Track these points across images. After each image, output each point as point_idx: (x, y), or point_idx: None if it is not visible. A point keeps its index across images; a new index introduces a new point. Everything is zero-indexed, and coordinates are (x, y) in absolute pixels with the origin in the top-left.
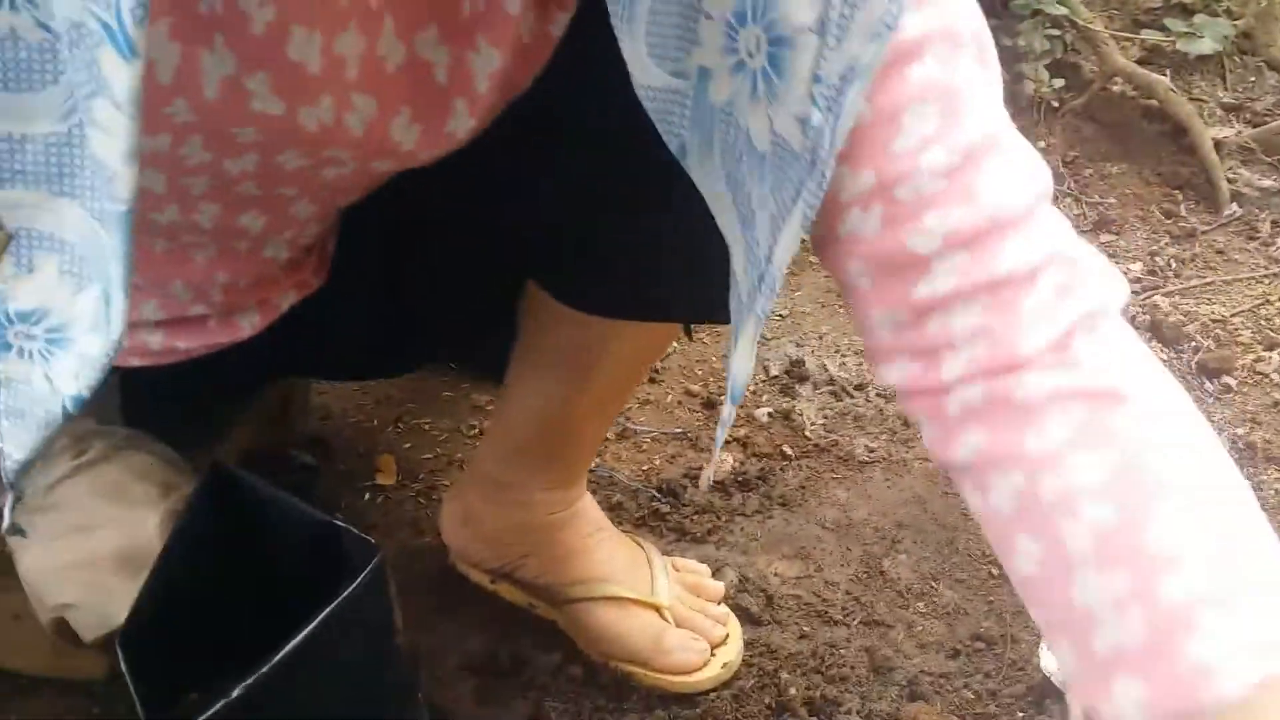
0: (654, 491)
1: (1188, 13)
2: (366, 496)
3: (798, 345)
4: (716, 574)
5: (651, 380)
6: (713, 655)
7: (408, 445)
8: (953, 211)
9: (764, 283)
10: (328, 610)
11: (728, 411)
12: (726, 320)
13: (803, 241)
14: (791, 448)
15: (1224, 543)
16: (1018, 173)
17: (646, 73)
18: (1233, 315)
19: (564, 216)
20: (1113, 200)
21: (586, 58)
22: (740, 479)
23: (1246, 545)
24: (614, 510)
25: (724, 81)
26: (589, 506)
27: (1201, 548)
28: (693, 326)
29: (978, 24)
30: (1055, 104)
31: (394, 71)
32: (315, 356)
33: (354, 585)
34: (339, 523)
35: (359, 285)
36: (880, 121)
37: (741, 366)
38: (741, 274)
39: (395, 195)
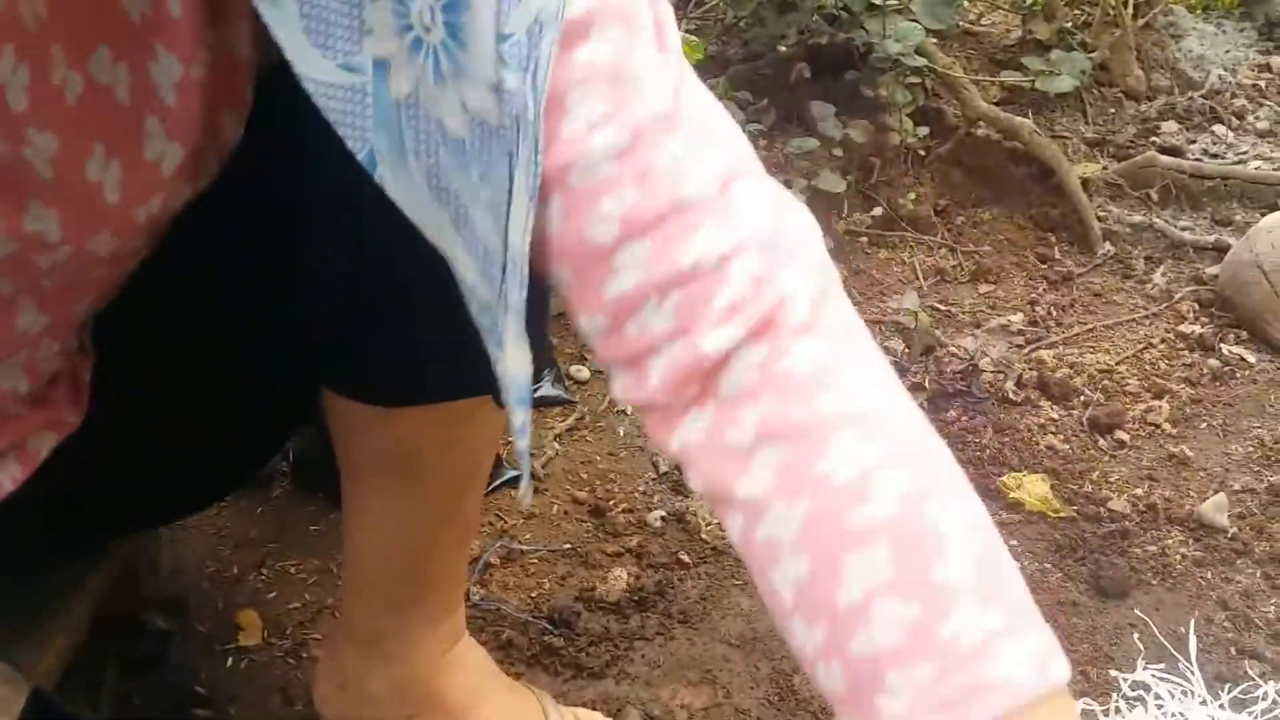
0: (545, 623)
1: (1043, 48)
2: (229, 662)
3: None
4: (619, 715)
5: (534, 490)
6: None
7: (272, 594)
8: (626, 194)
9: (509, 271)
10: None
11: (519, 418)
12: (537, 375)
13: None
14: (688, 554)
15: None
16: (703, 151)
17: (310, 63)
18: (1118, 363)
19: (319, 295)
20: (988, 248)
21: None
22: (637, 597)
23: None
24: (504, 650)
25: (403, 70)
26: (472, 651)
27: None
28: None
29: (661, 7)
30: (922, 152)
31: (74, 103)
32: (107, 506)
33: None
34: None
35: (127, 417)
36: (547, 107)
37: (516, 367)
38: (476, 277)
39: (143, 307)
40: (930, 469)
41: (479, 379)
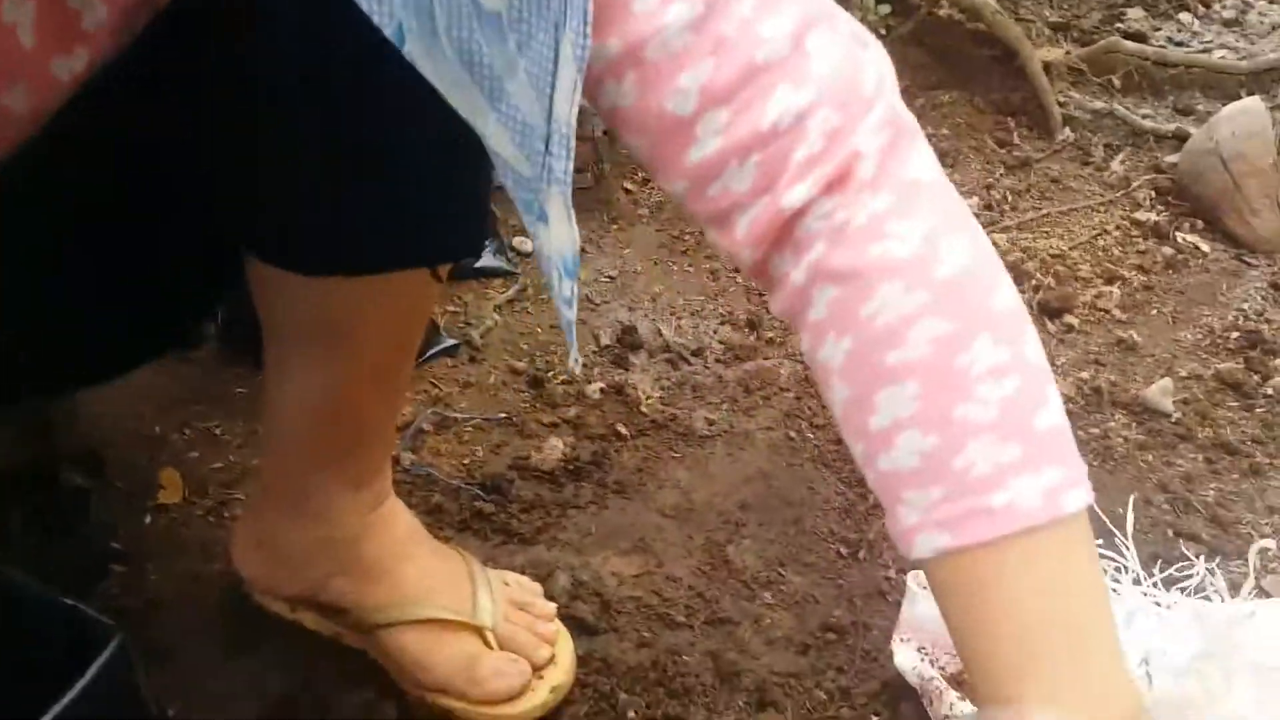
0: (477, 489)
1: None
2: (148, 519)
3: (629, 310)
4: (548, 580)
5: (471, 360)
6: (540, 679)
7: (195, 455)
8: (703, 65)
9: (553, 143)
10: (52, 712)
11: (568, 288)
12: (463, 255)
13: (628, 192)
14: (626, 426)
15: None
16: (772, 9)
17: None
18: (1071, 249)
19: (247, 159)
20: (946, 131)
21: None
22: (572, 466)
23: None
24: (433, 514)
25: None
26: (398, 513)
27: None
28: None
29: None
30: (883, 31)
31: None
32: (23, 363)
33: (84, 679)
34: (69, 602)
35: (39, 268)
36: None
37: (560, 241)
38: (514, 150)
39: (60, 154)
40: (969, 317)
41: (412, 250)
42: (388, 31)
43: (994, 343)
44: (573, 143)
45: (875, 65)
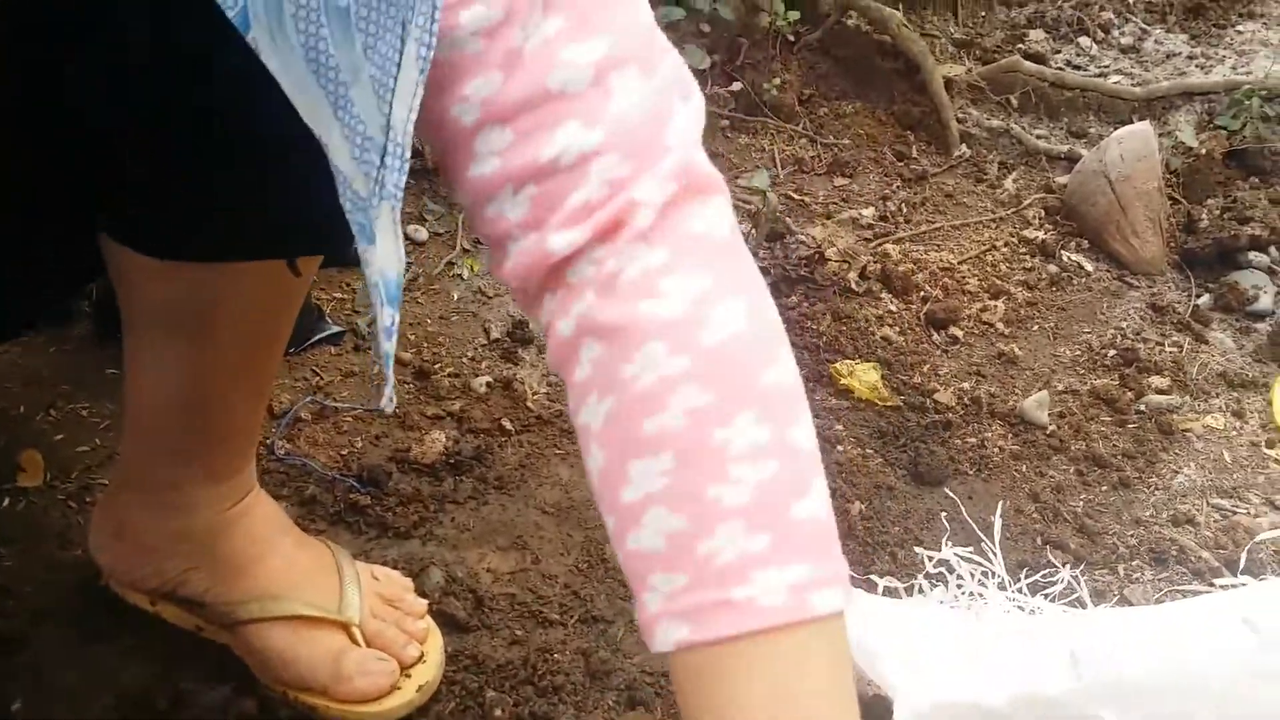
0: (353, 481)
1: None
2: (5, 501)
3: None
4: (420, 575)
5: (356, 348)
6: (408, 676)
7: (59, 437)
8: (492, 76)
9: (389, 156)
10: None
11: (388, 317)
12: (322, 249)
13: None
14: (511, 421)
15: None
16: (583, 36)
17: None
18: (960, 262)
19: (106, 132)
20: (847, 141)
21: None
22: (453, 460)
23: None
24: (306, 506)
25: None
26: (262, 505)
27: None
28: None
29: None
30: (791, 38)
31: None
32: None
33: None
34: None
35: None
36: None
37: (386, 262)
38: (349, 164)
39: None
40: (733, 390)
41: (272, 240)
42: (231, 14)
43: (756, 421)
44: (408, 154)
45: (685, 118)
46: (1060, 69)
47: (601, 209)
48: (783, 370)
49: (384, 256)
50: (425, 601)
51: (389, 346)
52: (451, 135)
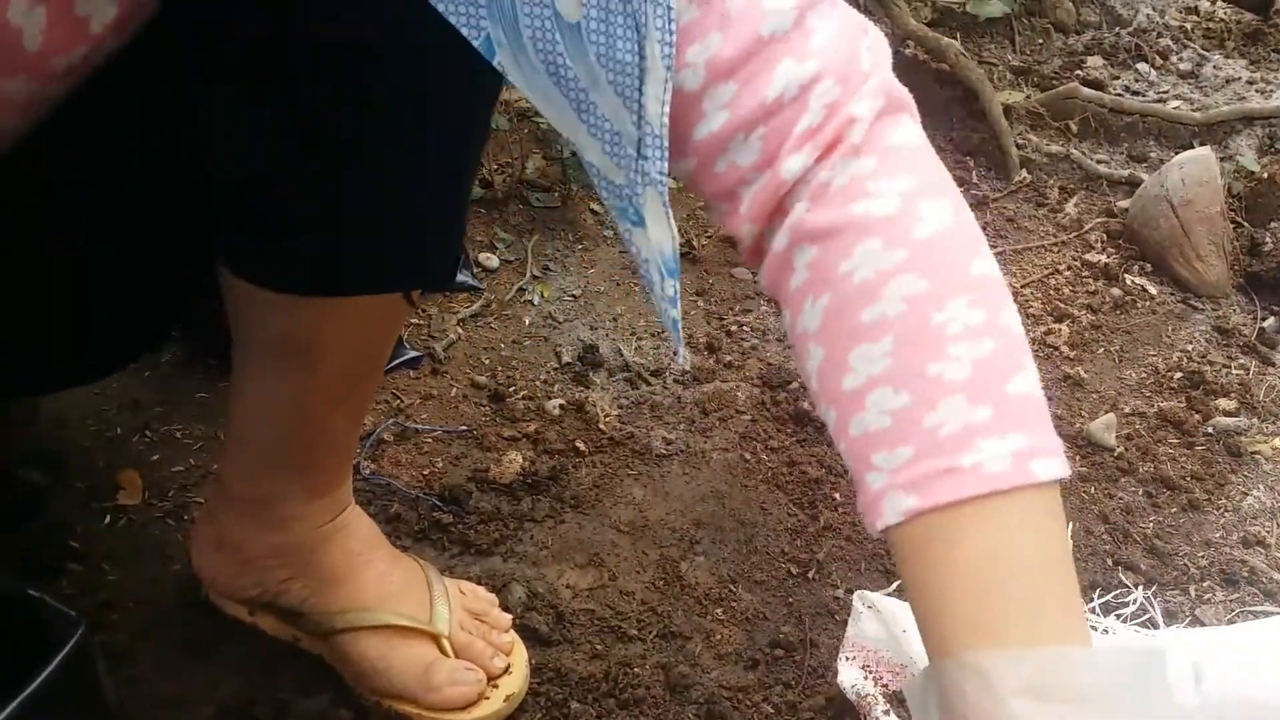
0: (435, 500)
1: None
2: (106, 520)
3: (591, 329)
4: (503, 590)
5: (434, 372)
6: (495, 687)
7: (156, 457)
8: (710, 40)
9: (645, 146)
10: (15, 702)
11: (670, 287)
12: (441, 285)
13: (594, 214)
14: (585, 443)
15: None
16: None
17: None
18: (1024, 286)
19: (236, 170)
20: None
21: None
22: (530, 480)
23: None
24: (391, 523)
25: None
26: (358, 520)
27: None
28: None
29: None
30: None
31: None
32: None
33: (48, 670)
34: (34, 594)
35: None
36: None
37: (664, 240)
38: (600, 158)
39: (43, 156)
40: (947, 277)
41: (386, 276)
42: (476, 43)
43: (970, 305)
44: (665, 143)
45: (874, 43)
46: (1119, 95)
47: (822, 130)
48: (989, 263)
49: (658, 235)
50: (510, 616)
51: (675, 313)
52: (677, 104)
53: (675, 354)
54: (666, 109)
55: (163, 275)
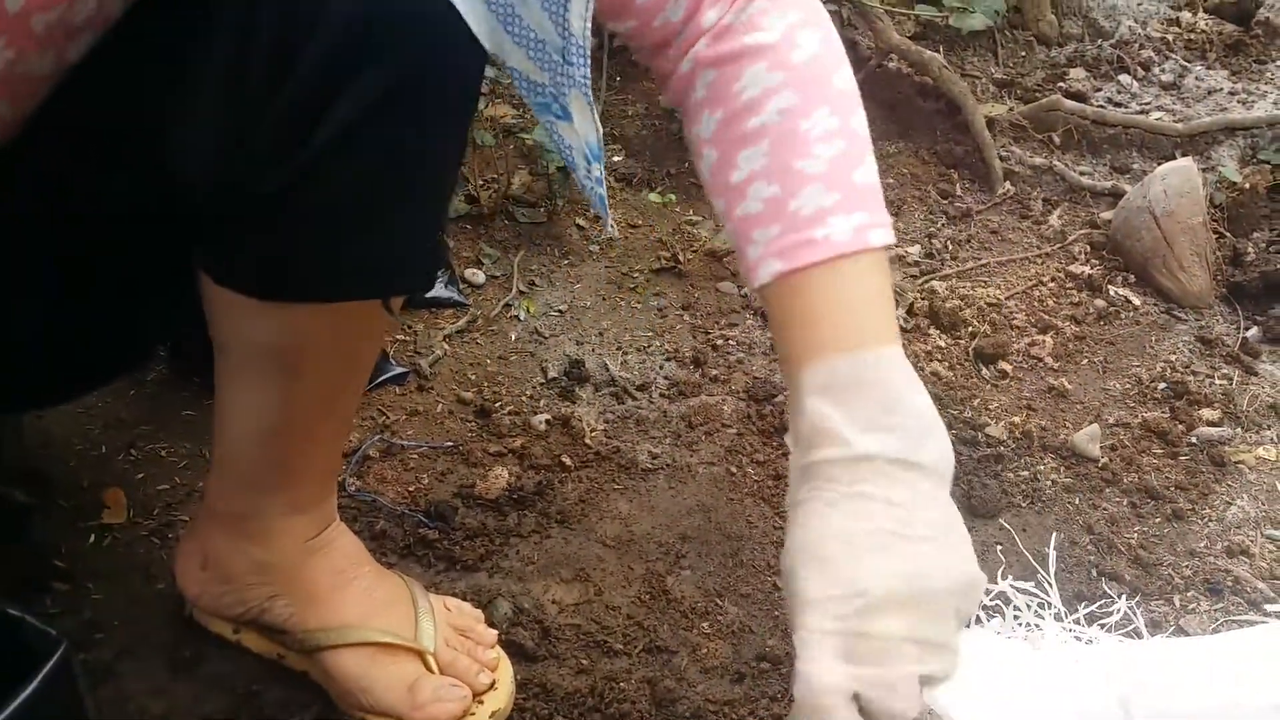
0: (421, 516)
1: None
2: (91, 539)
3: (577, 344)
4: (489, 606)
5: (420, 388)
6: (480, 704)
7: (141, 476)
8: None
9: (570, 54)
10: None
11: (597, 170)
12: (417, 288)
13: (580, 229)
14: (571, 457)
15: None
16: None
17: None
18: (1008, 298)
19: (209, 173)
20: (891, 180)
21: None
22: (516, 496)
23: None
24: (377, 540)
25: None
26: (342, 537)
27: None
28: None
29: None
30: None
31: None
32: None
33: (29, 689)
34: (15, 613)
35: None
36: None
37: (588, 131)
38: (524, 63)
39: (23, 165)
40: (814, 92)
41: (368, 281)
42: None
43: (830, 113)
44: (588, 51)
45: None
46: (1101, 106)
47: None
48: (846, 78)
49: (584, 128)
50: (495, 632)
51: (602, 190)
52: None
53: (606, 226)
54: (589, 24)
55: (146, 290)
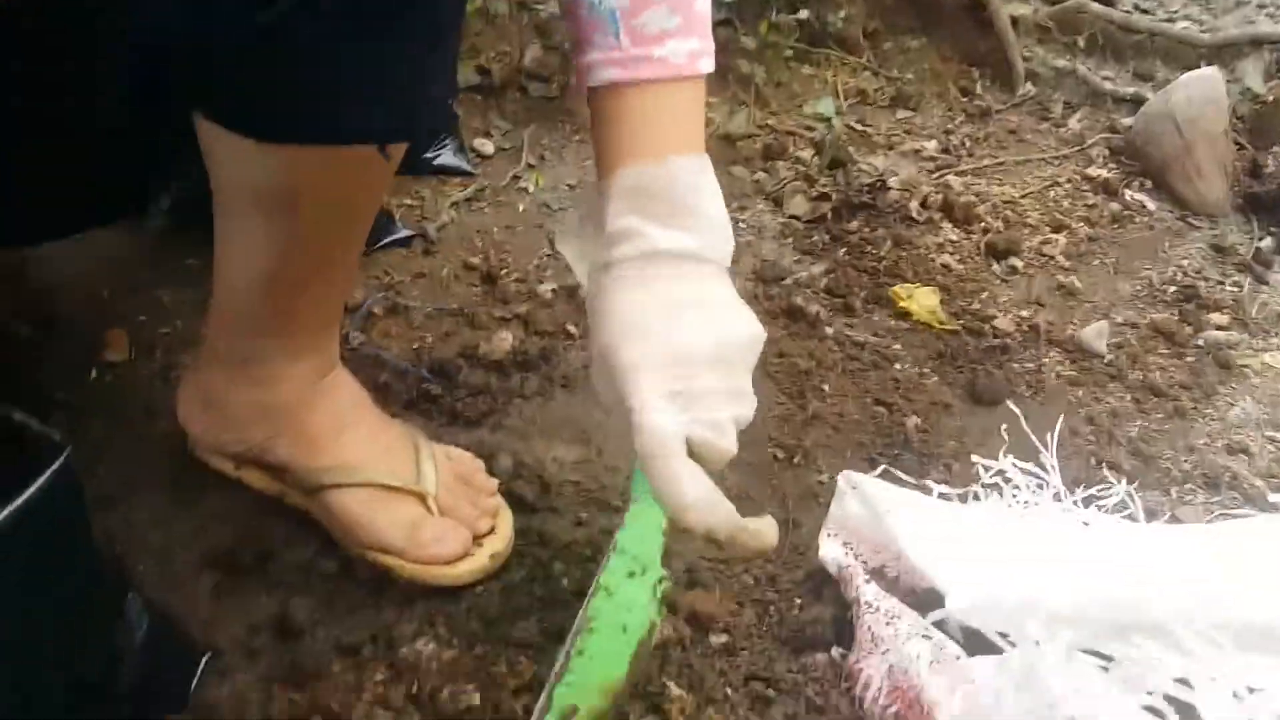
0: (424, 372)
1: None
2: (94, 374)
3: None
4: (491, 459)
5: (425, 252)
6: (479, 546)
7: (142, 319)
8: None
9: None
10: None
11: None
12: (413, 138)
13: None
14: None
15: None
16: None
17: None
18: (1022, 196)
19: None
20: (911, 75)
21: None
22: (520, 358)
23: None
24: (380, 392)
25: None
26: (345, 382)
27: None
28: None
29: None
30: None
31: None
32: None
33: (29, 491)
34: (19, 418)
35: None
36: None
37: None
38: None
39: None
40: None
41: (364, 125)
42: None
43: None
44: None
45: None
46: (1128, 12)
47: None
48: None
49: None
50: (495, 480)
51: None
52: None
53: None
54: None
55: (143, 127)
